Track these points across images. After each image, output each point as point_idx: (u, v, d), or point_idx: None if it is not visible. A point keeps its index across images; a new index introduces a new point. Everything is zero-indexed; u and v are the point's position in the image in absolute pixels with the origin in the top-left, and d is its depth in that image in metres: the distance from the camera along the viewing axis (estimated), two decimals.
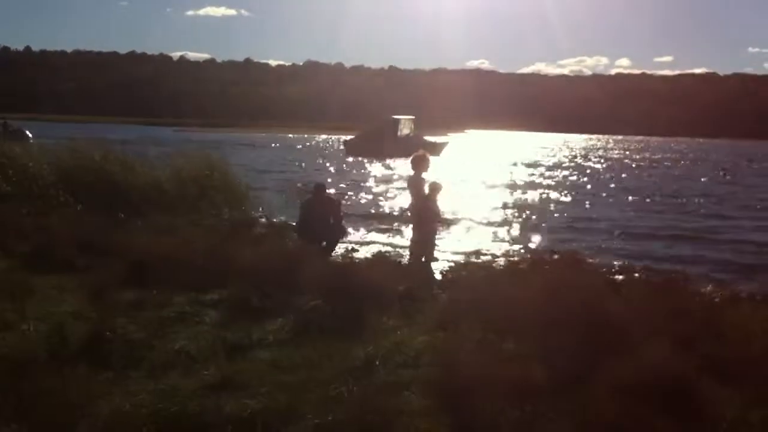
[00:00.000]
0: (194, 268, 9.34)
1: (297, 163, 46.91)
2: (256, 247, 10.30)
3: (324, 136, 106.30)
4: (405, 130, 58.23)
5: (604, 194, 32.21)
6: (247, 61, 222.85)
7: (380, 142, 54.68)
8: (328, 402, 5.40)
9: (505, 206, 25.16)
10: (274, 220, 15.49)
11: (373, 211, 22.62)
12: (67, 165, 15.78)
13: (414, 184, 11.70)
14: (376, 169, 43.41)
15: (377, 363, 6.24)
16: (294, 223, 12.88)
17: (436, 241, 12.19)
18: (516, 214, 23.11)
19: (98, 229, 11.52)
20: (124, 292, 8.50)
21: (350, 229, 15.07)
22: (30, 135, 49.10)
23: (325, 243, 11.54)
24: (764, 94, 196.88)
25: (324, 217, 11.79)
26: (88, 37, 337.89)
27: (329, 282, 8.36)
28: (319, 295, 8.14)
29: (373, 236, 16.47)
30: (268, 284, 8.70)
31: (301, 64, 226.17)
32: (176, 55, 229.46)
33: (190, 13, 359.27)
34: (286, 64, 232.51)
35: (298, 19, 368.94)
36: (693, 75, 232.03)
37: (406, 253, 12.05)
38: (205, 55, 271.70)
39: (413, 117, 61.77)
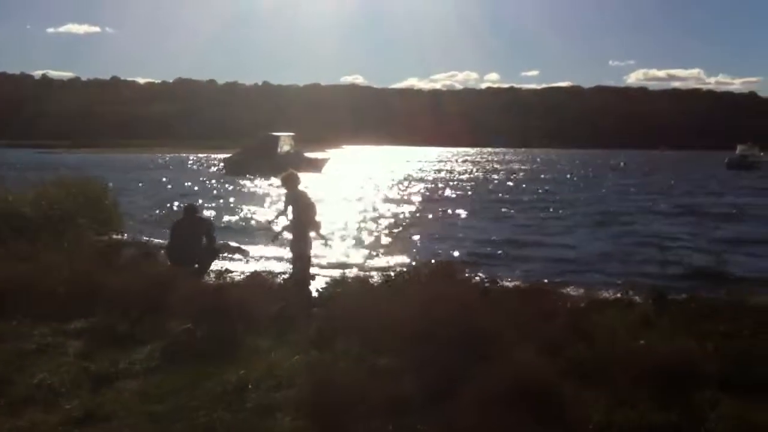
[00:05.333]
0: (57, 297, 8.97)
1: (170, 184, 45.78)
2: (124, 272, 9.93)
3: (200, 155, 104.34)
4: (285, 147, 57.80)
5: (475, 204, 33.05)
6: (114, 79, 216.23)
7: (260, 160, 53.99)
8: (197, 430, 5.24)
9: (381, 221, 25.36)
10: (144, 242, 15.03)
11: (248, 231, 22.29)
12: None
13: (291, 201, 11.63)
14: (254, 187, 42.92)
15: (249, 386, 6.12)
16: (164, 246, 12.52)
17: (312, 259, 12.13)
18: (392, 228, 23.32)
19: None
20: None
21: (225, 249, 14.79)
22: None
23: (197, 265, 11.26)
24: (625, 105, 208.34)
25: (195, 239, 11.50)
26: None
27: (201, 305, 8.18)
28: (191, 318, 7.94)
29: (249, 256, 16.19)
30: (137, 310, 8.43)
31: (171, 81, 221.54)
32: (38, 74, 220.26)
33: (50, 30, 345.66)
34: (156, 81, 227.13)
35: (167, 36, 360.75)
36: (558, 88, 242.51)
37: (282, 271, 11.93)
38: (69, 74, 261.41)
39: (293, 134, 61.50)
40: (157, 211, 25.42)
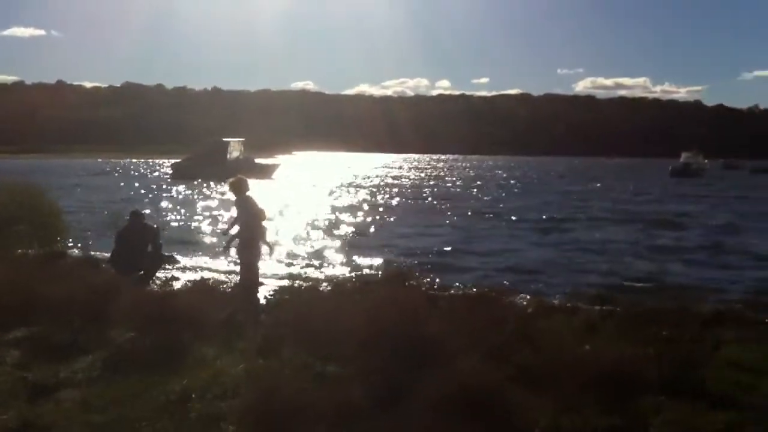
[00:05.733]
0: None
1: (117, 189, 45.04)
2: (66, 281, 9.68)
3: (149, 160, 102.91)
4: (235, 152, 57.55)
5: (423, 212, 33.22)
6: (60, 83, 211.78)
7: (209, 166, 53.61)
8: None
9: (328, 228, 25.29)
10: (88, 250, 14.73)
11: (195, 237, 22.06)
12: None
13: (239, 207, 11.50)
14: (203, 193, 42.47)
15: (194, 395, 6.00)
16: (109, 254, 12.27)
17: (260, 265, 12.02)
18: (342, 235, 23.29)
19: None
20: None
21: (172, 256, 14.61)
22: None
23: (142, 272, 11.08)
24: (574, 113, 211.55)
25: (141, 246, 11.32)
26: None
27: (146, 313, 8.00)
28: (135, 327, 7.78)
29: (196, 263, 15.99)
30: (79, 319, 8.23)
31: (118, 85, 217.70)
32: None
33: None
34: (103, 86, 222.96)
35: (114, 39, 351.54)
36: (508, 96, 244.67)
37: (229, 279, 11.80)
38: (13, 78, 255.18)
39: (243, 139, 61.25)
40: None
